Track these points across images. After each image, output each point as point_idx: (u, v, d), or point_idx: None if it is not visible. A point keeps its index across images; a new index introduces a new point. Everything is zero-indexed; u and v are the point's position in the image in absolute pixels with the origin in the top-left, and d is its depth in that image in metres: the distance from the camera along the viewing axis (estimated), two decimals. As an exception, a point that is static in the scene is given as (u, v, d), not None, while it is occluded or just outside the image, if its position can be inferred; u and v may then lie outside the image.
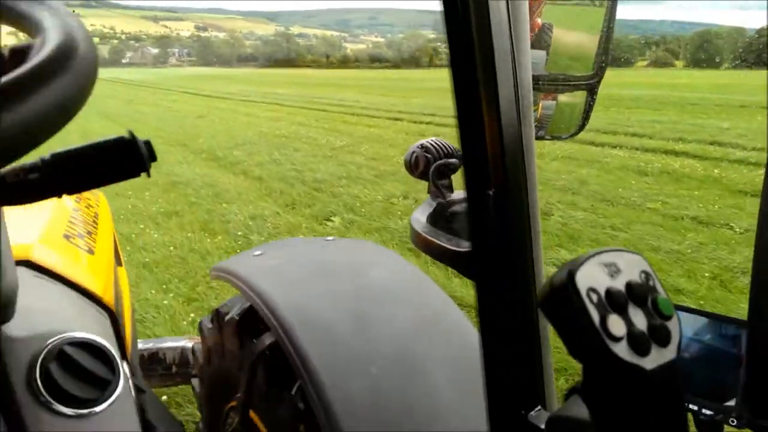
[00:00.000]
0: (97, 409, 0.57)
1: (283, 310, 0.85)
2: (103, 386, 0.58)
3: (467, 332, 0.88)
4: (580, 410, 0.40)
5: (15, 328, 0.59)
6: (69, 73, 0.33)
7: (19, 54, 0.36)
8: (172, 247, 3.83)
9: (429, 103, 15.43)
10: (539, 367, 0.55)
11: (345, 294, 0.94)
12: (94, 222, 1.11)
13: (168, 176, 5.90)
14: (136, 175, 0.39)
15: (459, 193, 0.67)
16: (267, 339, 0.93)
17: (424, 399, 0.79)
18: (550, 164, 6.36)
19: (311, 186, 5.70)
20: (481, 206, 0.50)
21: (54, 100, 0.32)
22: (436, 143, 0.69)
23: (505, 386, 0.54)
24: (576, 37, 0.66)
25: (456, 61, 0.47)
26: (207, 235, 4.12)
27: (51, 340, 0.59)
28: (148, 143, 0.39)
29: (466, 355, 0.83)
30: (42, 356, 0.57)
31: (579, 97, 0.65)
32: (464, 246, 0.58)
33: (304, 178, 6.02)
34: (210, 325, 1.15)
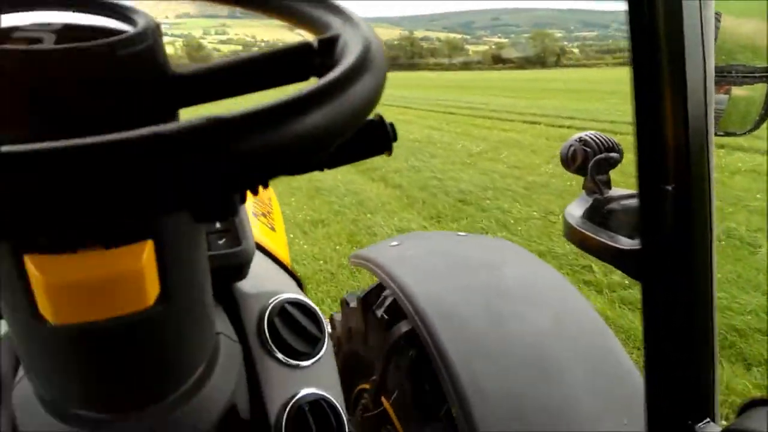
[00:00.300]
0: (308, 362, 0.64)
1: (420, 301, 0.86)
2: (315, 342, 0.65)
3: (605, 336, 0.86)
4: (760, 425, 0.40)
5: (247, 285, 0.67)
6: (374, 69, 0.34)
7: (327, 45, 0.37)
8: (321, 261, 3.68)
9: (564, 105, 14.45)
10: (710, 376, 0.53)
11: (481, 290, 0.94)
12: (270, 204, 1.15)
13: (311, 182, 5.87)
14: (381, 153, 0.42)
15: (617, 190, 0.67)
16: (404, 327, 0.94)
17: (560, 402, 0.76)
18: (732, 179, 5.44)
19: (455, 197, 5.35)
20: (657, 202, 0.49)
21: (365, 94, 0.32)
22: (595, 137, 0.67)
23: (670, 394, 0.52)
24: (752, 26, 0.61)
25: (639, 53, 0.47)
26: (355, 248, 3.93)
27: (274, 299, 0.66)
28: (391, 125, 0.41)
29: (605, 361, 0.81)
30: (268, 311, 0.65)
31: (757, 91, 0.60)
32: (626, 244, 0.57)
33: (446, 188, 5.70)
34: (339, 318, 1.20)
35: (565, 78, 36.17)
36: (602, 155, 0.66)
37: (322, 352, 0.65)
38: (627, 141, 0.59)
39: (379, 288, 1.05)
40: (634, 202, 0.57)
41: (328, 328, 1.71)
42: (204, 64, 0.37)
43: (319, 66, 0.37)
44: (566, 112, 12.38)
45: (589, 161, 0.66)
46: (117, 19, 0.36)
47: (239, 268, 0.64)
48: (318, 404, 0.60)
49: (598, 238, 0.60)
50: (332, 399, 0.61)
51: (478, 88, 26.84)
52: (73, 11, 0.35)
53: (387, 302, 1.01)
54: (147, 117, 0.32)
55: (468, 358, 0.77)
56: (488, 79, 40.31)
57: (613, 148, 0.67)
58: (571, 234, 0.64)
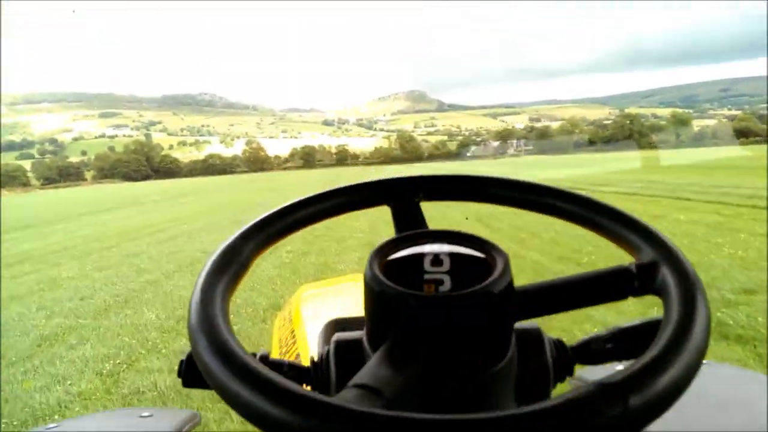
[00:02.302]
0: None
1: None
2: None
3: None
4: None
5: None
6: (705, 301, 0.37)
7: (647, 271, 0.42)
8: None
9: None
10: None
11: None
12: None
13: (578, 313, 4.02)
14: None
15: None
16: None
17: None
18: None
19: None
20: None
21: (704, 327, 0.34)
22: None
23: None
24: None
25: None
26: None
27: None
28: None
29: None
30: None
31: None
32: None
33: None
34: None
35: None
36: None
37: None
38: None
39: None
40: None
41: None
42: (539, 282, 0.43)
43: (638, 288, 0.42)
44: None
45: None
46: (477, 249, 0.43)
47: None
48: None
49: None
50: None
51: (746, 168, 21.55)
52: (449, 243, 0.43)
53: None
54: (498, 328, 0.40)
55: None
56: (734, 158, 33.83)
57: None
58: None
